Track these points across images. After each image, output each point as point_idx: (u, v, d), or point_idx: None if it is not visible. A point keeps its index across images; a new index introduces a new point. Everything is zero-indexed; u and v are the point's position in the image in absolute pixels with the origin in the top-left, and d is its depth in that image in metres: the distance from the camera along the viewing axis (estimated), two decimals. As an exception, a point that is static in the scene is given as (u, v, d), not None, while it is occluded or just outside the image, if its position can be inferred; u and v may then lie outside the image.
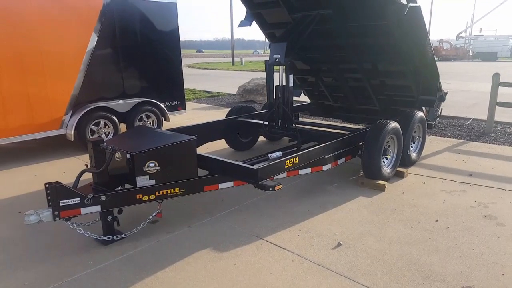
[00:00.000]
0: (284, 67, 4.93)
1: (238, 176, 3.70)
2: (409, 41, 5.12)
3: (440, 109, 6.67)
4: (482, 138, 7.11)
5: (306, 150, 4.13)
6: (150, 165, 3.38)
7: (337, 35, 5.55)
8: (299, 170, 4.17)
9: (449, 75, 21.54)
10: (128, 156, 3.36)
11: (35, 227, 3.75)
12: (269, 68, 5.07)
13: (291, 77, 4.96)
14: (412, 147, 5.64)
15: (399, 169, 5.13)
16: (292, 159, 3.91)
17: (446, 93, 6.78)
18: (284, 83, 5.03)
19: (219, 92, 14.12)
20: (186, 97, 12.85)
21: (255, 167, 3.53)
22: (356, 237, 3.55)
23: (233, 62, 37.98)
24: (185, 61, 44.91)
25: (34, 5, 5.95)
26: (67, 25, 6.29)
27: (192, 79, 20.17)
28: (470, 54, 46.80)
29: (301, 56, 6.48)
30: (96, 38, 6.63)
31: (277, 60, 4.90)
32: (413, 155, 5.55)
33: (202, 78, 22.03)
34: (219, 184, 3.76)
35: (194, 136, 3.67)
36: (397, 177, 5.07)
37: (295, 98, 8.06)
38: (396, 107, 6.21)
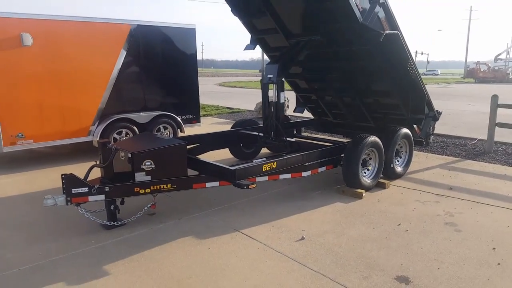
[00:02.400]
0: (276, 85, 5.54)
1: (220, 176, 4.32)
2: (392, 64, 5.63)
3: (433, 127, 7.02)
4: (479, 157, 7.35)
5: (285, 157, 4.70)
6: (147, 163, 4.07)
7: (329, 58, 6.14)
8: (280, 175, 4.74)
9: (478, 97, 21.32)
10: (129, 155, 4.06)
11: (54, 213, 4.53)
12: (264, 87, 5.71)
13: (282, 94, 5.57)
14: (398, 161, 6.06)
15: (381, 180, 5.56)
16: (270, 164, 4.49)
17: (440, 113, 7.17)
18: (276, 100, 5.63)
19: (240, 109, 14.89)
20: (208, 113, 13.74)
21: (233, 168, 4.14)
22: (320, 233, 4.05)
23: (262, 81, 38.82)
24: (217, 80, 46.55)
25: (71, 29, 6.94)
26: (98, 47, 7.24)
27: (219, 96, 21.15)
28: (510, 77, 45.54)
29: (303, 76, 7.11)
30: (123, 59, 7.54)
31: (270, 79, 5.53)
32: (399, 169, 5.96)
33: (229, 95, 22.97)
34: (206, 183, 4.39)
35: (185, 141, 4.34)
36: (379, 187, 5.50)
37: (299, 114, 8.67)
38: (390, 125, 6.63)
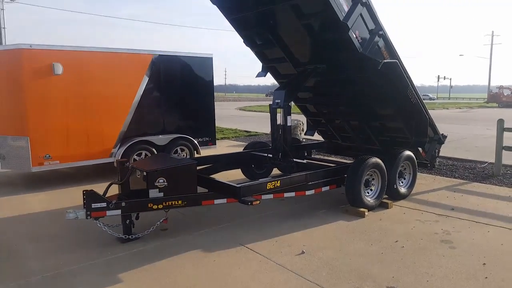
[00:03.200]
0: (283, 110, 5.91)
1: (226, 193, 4.66)
2: (392, 90, 5.93)
3: (438, 150, 7.21)
4: (486, 180, 7.45)
5: (289, 176, 5.02)
6: (160, 180, 4.45)
7: (334, 84, 6.51)
8: (284, 194, 5.04)
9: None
10: (144, 173, 4.47)
11: (74, 227, 4.95)
12: (272, 111, 6.09)
13: (289, 118, 5.93)
14: (402, 182, 6.26)
15: (385, 200, 5.78)
16: (274, 182, 4.82)
17: (445, 136, 7.36)
18: (282, 123, 5.99)
19: (257, 132, 15.30)
20: (226, 136, 14.21)
21: (238, 185, 4.48)
22: (319, 248, 4.30)
23: (283, 106, 39.42)
24: (238, 104, 47.40)
25: (98, 59, 7.57)
26: (122, 75, 7.82)
27: (238, 120, 21.68)
28: (534, 101, 44.68)
29: (312, 101, 7.48)
30: (145, 86, 8.10)
31: (278, 104, 5.91)
32: (402, 190, 6.16)
33: (248, 119, 23.47)
34: (214, 200, 4.73)
35: (195, 161, 4.72)
36: (382, 207, 5.71)
37: (310, 137, 8.99)
38: (396, 148, 6.87)
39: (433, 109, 37.69)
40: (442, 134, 7.32)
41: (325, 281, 3.56)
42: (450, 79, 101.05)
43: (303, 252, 4.19)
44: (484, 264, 3.89)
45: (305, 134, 8.13)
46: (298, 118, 12.59)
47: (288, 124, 5.96)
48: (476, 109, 38.78)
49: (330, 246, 4.36)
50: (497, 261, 3.95)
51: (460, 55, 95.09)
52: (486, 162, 8.98)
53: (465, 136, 13.96)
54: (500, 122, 7.83)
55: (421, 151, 6.89)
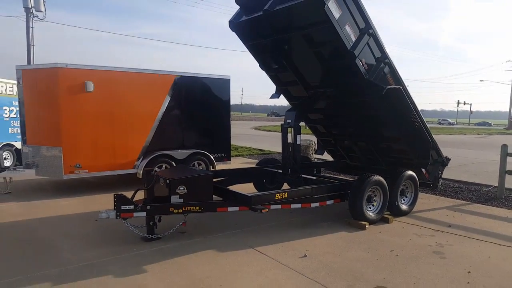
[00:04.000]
0: (293, 129, 6.46)
1: (239, 201, 5.20)
2: (396, 114, 6.43)
3: (441, 172, 7.62)
4: (488, 202, 7.79)
5: (295, 189, 5.53)
6: (181, 188, 5.03)
7: (342, 107, 7.05)
8: (291, 205, 5.55)
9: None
10: (167, 181, 5.05)
11: (103, 228, 5.54)
12: (283, 130, 6.65)
13: (298, 136, 6.46)
14: (404, 200, 6.68)
15: (386, 215, 6.22)
16: (282, 194, 5.34)
17: (449, 159, 7.77)
18: (292, 141, 6.53)
19: (270, 151, 15.84)
20: (240, 153, 14.80)
21: (249, 195, 5.02)
22: (321, 253, 4.78)
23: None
24: (254, 124, 48.17)
25: (126, 78, 8.31)
26: (147, 94, 8.55)
27: (253, 139, 22.31)
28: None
29: (321, 122, 8.03)
30: (167, 104, 8.80)
31: (289, 124, 6.48)
32: (404, 207, 6.58)
33: (263, 138, 24.07)
34: (228, 208, 5.27)
35: (212, 172, 5.29)
36: (383, 222, 6.15)
37: (320, 156, 9.48)
38: (401, 168, 7.31)
39: (450, 134, 37.70)
40: (446, 157, 7.75)
41: (323, 279, 4.04)
42: (470, 104, 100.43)
43: (305, 256, 4.68)
44: (469, 272, 4.31)
45: (315, 153, 8.63)
46: (310, 138, 13.08)
47: (298, 142, 6.49)
48: (495, 135, 38.52)
49: (331, 252, 4.83)
50: (481, 270, 4.36)
51: (480, 80, 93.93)
52: (492, 186, 9.28)
53: (476, 161, 14.21)
54: (504, 147, 8.21)
55: (424, 172, 7.33)
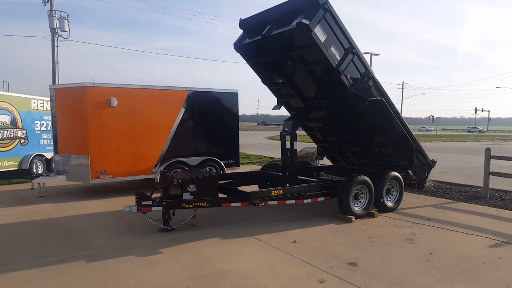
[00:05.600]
0: (291, 136, 7.37)
1: (241, 198, 6.13)
2: (381, 122, 7.29)
3: (428, 173, 8.39)
4: (473, 201, 8.50)
5: (289, 187, 6.43)
6: (191, 186, 6.00)
7: (336, 116, 7.94)
8: (286, 201, 6.45)
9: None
10: (180, 180, 6.03)
11: (126, 221, 6.54)
12: (282, 137, 7.57)
13: (295, 143, 7.37)
14: (390, 198, 7.49)
15: (372, 211, 7.04)
16: (277, 191, 6.25)
17: (434, 162, 8.55)
18: (290, 147, 7.44)
19: (280, 159, 16.72)
20: (251, 161, 15.74)
21: (248, 191, 5.94)
22: (308, 240, 5.65)
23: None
24: (268, 134, 49.08)
25: (145, 94, 9.39)
26: (164, 107, 9.61)
27: (265, 148, 23.25)
28: None
29: (320, 130, 8.93)
30: (181, 116, 9.84)
31: (287, 131, 7.40)
32: (389, 204, 7.39)
33: (275, 147, 24.90)
34: (232, 203, 6.20)
35: (218, 173, 6.24)
36: (369, 216, 6.97)
37: (326, 161, 10.32)
38: (389, 170, 8.13)
39: (464, 141, 37.89)
40: (432, 159, 8.53)
41: (305, 257, 4.92)
42: (489, 111, 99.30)
43: (295, 241, 5.56)
44: (431, 253, 5.12)
45: (315, 159, 9.50)
46: (314, 146, 13.94)
47: (294, 148, 7.40)
48: (510, 142, 38.50)
49: (317, 239, 5.70)
50: (442, 252, 5.16)
51: (496, 87, 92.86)
52: (481, 187, 9.95)
53: (476, 165, 14.76)
54: (488, 151, 8.94)
55: (411, 174, 8.14)
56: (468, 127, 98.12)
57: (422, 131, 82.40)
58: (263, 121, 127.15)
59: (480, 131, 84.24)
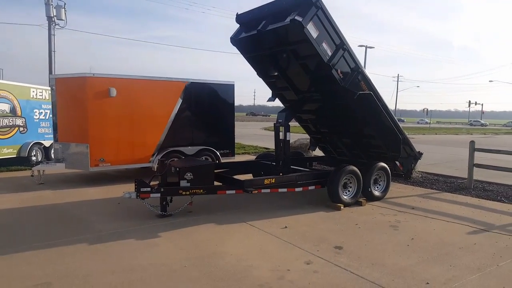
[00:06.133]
0: (284, 127, 7.68)
1: (235, 186, 6.45)
2: (369, 114, 7.61)
3: (414, 164, 8.76)
4: (457, 191, 8.87)
5: (282, 176, 6.76)
6: (188, 174, 6.30)
7: (328, 108, 8.25)
8: (279, 189, 6.78)
9: None
10: (177, 168, 6.33)
11: (125, 208, 6.86)
12: (276, 128, 7.88)
13: (288, 134, 7.68)
14: (377, 187, 7.85)
15: (360, 199, 7.39)
16: (270, 179, 6.58)
17: (421, 154, 8.91)
18: (283, 137, 7.75)
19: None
20: (247, 151, 16.07)
21: (242, 179, 6.26)
22: (298, 226, 6.00)
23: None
24: (265, 124, 49.39)
25: (144, 84, 9.64)
26: (161, 98, 9.86)
27: (261, 139, 23.59)
28: None
29: (312, 121, 9.24)
30: (178, 106, 10.10)
31: (280, 123, 7.71)
32: (376, 193, 7.75)
33: (270, 138, 25.19)
34: (226, 191, 6.53)
35: (213, 162, 6.55)
36: (357, 204, 7.33)
37: (313, 152, 10.65)
38: (378, 161, 8.48)
39: (457, 134, 38.38)
40: (419, 151, 8.88)
41: (295, 241, 5.26)
42: (482, 104, 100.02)
43: (286, 227, 5.91)
44: (412, 238, 5.48)
45: (308, 149, 9.83)
46: (308, 137, 14.27)
47: (287, 138, 7.71)
48: (502, 136, 39.07)
49: (307, 225, 6.05)
50: (422, 237, 5.53)
51: (489, 81, 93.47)
52: (466, 179, 10.33)
53: (466, 158, 15.16)
54: (472, 143, 9.30)
55: (398, 164, 8.49)
56: (470, 121, 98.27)
57: (421, 123, 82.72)
58: (251, 112, 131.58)
59: (482, 125, 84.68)
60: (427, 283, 4.12)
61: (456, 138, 31.75)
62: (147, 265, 4.47)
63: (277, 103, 9.23)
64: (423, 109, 64.00)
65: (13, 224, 6.09)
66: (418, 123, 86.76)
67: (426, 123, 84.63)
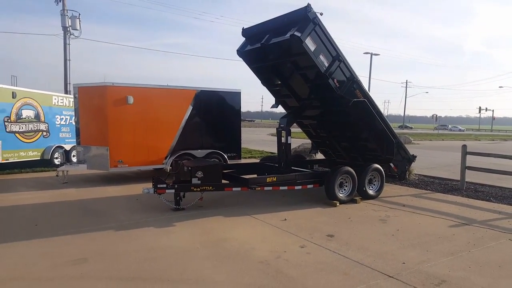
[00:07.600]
0: (286, 132, 8.44)
1: (241, 183, 7.22)
2: (364, 120, 8.34)
3: (409, 167, 9.44)
4: (449, 192, 9.51)
5: (283, 175, 7.52)
6: (199, 173, 7.09)
7: (327, 115, 9.00)
8: (280, 187, 7.53)
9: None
10: (189, 168, 7.12)
11: (143, 203, 7.67)
12: (278, 133, 8.64)
13: (289, 137, 8.44)
14: (372, 187, 8.54)
15: (355, 198, 8.10)
16: (271, 178, 7.34)
17: (415, 156, 9.59)
18: (285, 141, 8.51)
19: (280, 154, 17.85)
20: (253, 155, 16.81)
21: (247, 177, 7.03)
22: (296, 219, 6.74)
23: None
24: (272, 130, 50.08)
25: (158, 93, 10.51)
26: (174, 105, 10.71)
27: (267, 144, 24.37)
28: None
29: (313, 126, 9.99)
30: (189, 113, 10.94)
31: (282, 127, 8.47)
32: (371, 192, 8.44)
33: (275, 143, 26.06)
34: (233, 188, 7.30)
35: (221, 162, 7.33)
36: (352, 202, 8.04)
37: (320, 156, 11.34)
38: (373, 163, 9.18)
39: (464, 140, 38.66)
40: (413, 154, 9.56)
41: (293, 231, 6.01)
42: (492, 110, 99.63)
43: (285, 220, 6.65)
44: (398, 230, 6.18)
45: (309, 153, 10.56)
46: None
47: (289, 142, 8.47)
48: (509, 141, 39.26)
49: (304, 218, 6.79)
50: (407, 229, 6.22)
51: (499, 87, 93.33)
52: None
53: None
54: (464, 147, 9.96)
55: (393, 167, 9.19)
56: (444, 126, 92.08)
57: (454, 131, 79.01)
58: (249, 119, 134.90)
59: (460, 130, 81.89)
60: (403, 263, 4.83)
61: (462, 144, 32.06)
62: (165, 246, 5.25)
63: (283, 109, 10.00)
64: (433, 115, 64.22)
65: (47, 215, 6.92)
66: (451, 130, 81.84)
67: (460, 130, 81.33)
